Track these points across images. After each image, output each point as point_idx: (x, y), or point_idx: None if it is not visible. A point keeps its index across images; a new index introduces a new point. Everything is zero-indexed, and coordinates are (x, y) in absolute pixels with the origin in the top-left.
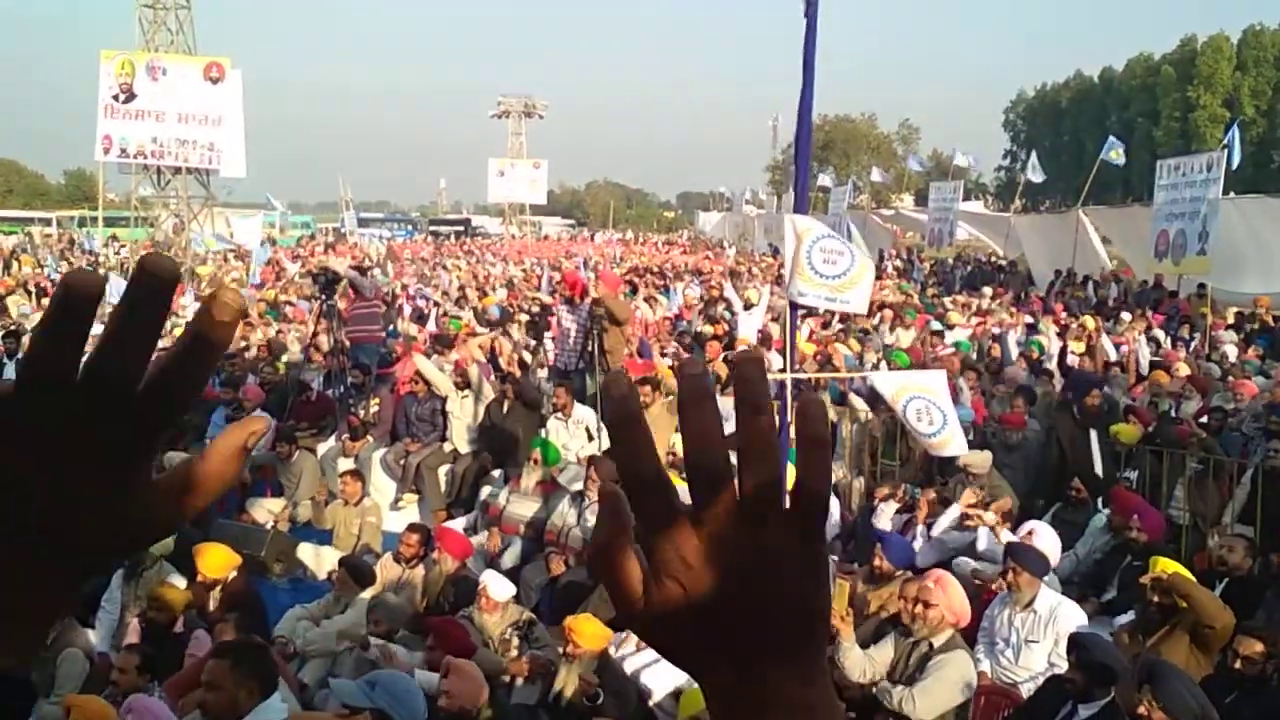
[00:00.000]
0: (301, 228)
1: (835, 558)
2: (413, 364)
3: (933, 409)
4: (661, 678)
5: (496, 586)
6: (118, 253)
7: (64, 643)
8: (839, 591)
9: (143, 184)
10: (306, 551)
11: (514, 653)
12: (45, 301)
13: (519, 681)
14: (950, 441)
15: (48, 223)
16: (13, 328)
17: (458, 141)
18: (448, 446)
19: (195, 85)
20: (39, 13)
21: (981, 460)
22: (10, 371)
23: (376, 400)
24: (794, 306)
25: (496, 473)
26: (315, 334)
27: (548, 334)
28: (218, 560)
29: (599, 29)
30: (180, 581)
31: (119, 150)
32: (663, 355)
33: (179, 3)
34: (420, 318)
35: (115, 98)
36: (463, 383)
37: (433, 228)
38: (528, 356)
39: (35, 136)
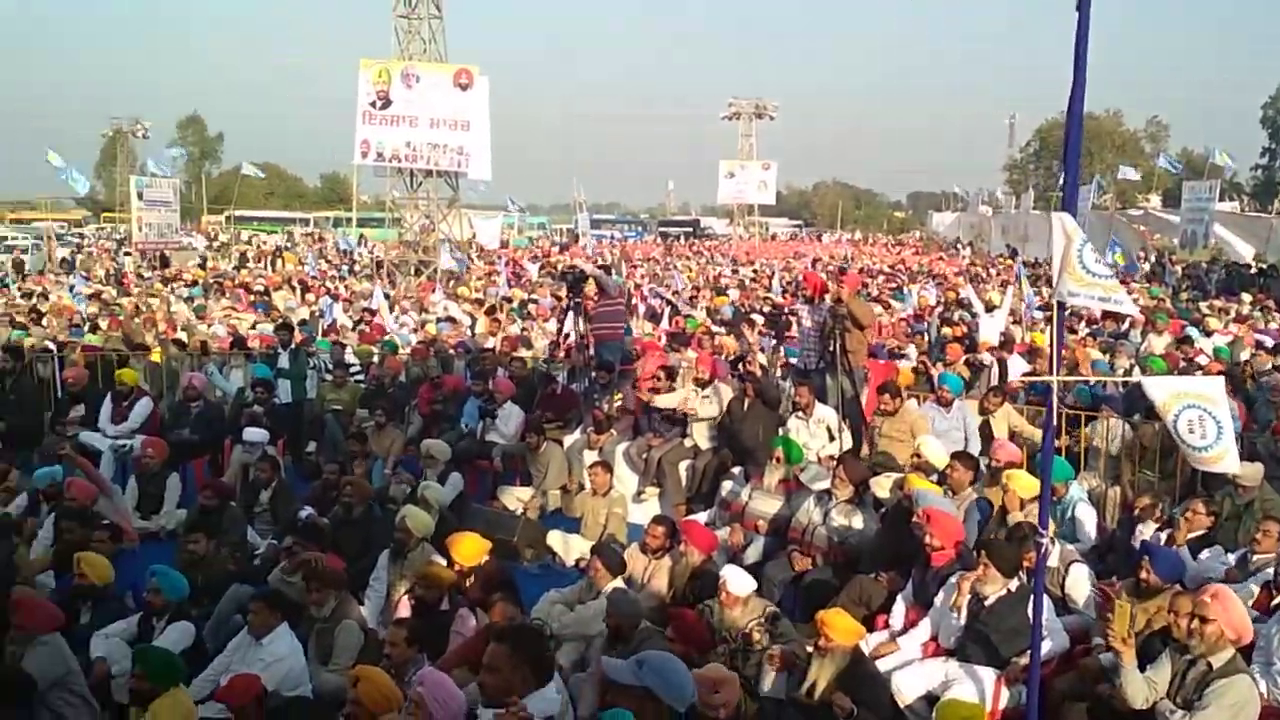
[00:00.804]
0: (537, 228)
1: (1094, 571)
2: (654, 360)
3: (1207, 420)
4: (914, 680)
5: (737, 580)
6: (370, 251)
7: (340, 614)
8: (1119, 614)
9: (396, 186)
10: (555, 538)
11: (758, 647)
12: (309, 296)
13: (768, 674)
14: (1224, 456)
15: (305, 223)
16: (281, 321)
17: (686, 143)
18: (688, 442)
19: (446, 91)
20: (301, 24)
21: (1253, 473)
22: (284, 361)
23: (619, 395)
24: (1061, 307)
25: (736, 470)
26: (561, 330)
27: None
28: (471, 549)
29: (830, 28)
30: (443, 561)
31: (375, 154)
32: (901, 357)
33: (432, 13)
34: (654, 317)
35: (373, 104)
36: (704, 381)
37: (662, 229)
38: (762, 357)
39: (295, 142)
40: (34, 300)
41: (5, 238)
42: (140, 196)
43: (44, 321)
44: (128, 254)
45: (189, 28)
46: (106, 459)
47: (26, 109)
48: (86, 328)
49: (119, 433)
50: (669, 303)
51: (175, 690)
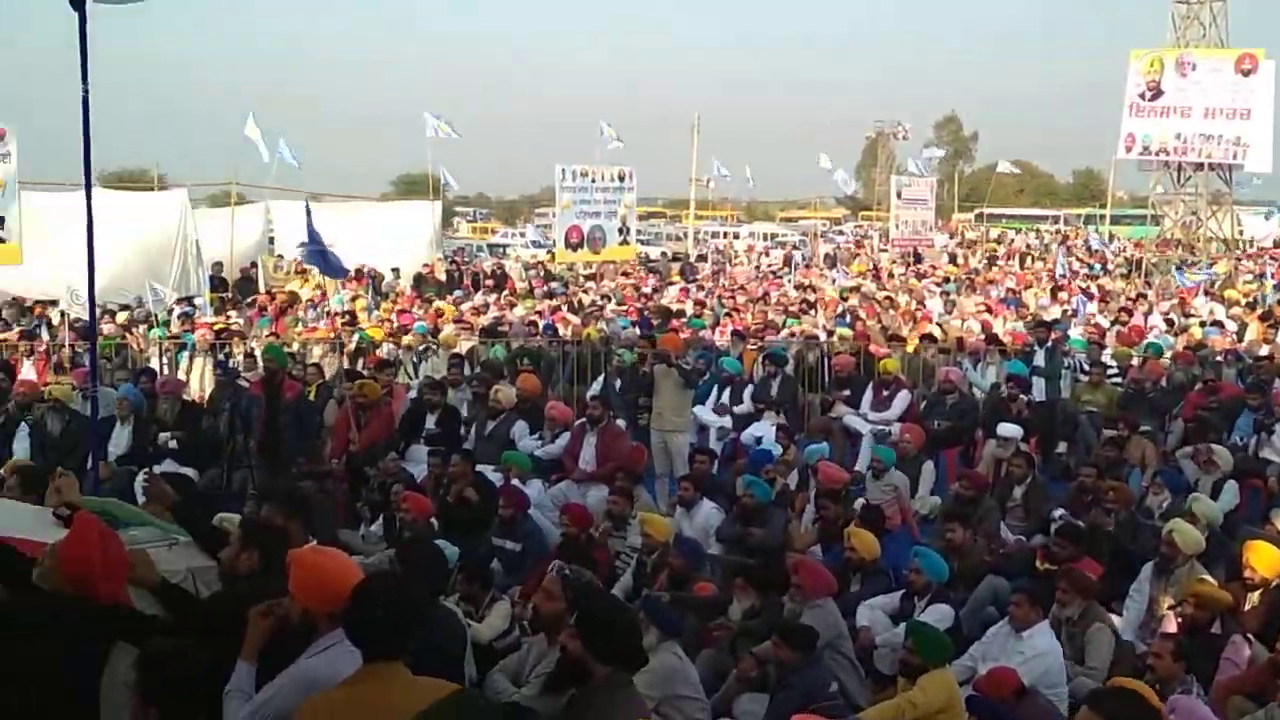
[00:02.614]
0: None
1: None
2: None
3: None
4: None
5: None
6: (1119, 252)
7: (1092, 617)
8: None
9: (1160, 181)
10: None
11: None
12: (1061, 294)
13: None
14: None
15: (1055, 220)
16: (1036, 319)
17: None
18: None
19: (1225, 79)
20: (1068, 21)
21: None
22: (1040, 359)
23: None
24: None
25: None
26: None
27: None
28: (1269, 558)
29: None
30: (1212, 580)
31: (1140, 148)
32: None
33: None
34: None
35: (1141, 96)
36: None
37: None
38: None
39: (1049, 138)
40: (804, 292)
41: (777, 235)
42: (899, 195)
43: (813, 312)
44: (883, 250)
45: (946, 31)
46: (865, 442)
47: (797, 116)
48: (848, 319)
49: (879, 418)
50: None
51: (943, 669)
